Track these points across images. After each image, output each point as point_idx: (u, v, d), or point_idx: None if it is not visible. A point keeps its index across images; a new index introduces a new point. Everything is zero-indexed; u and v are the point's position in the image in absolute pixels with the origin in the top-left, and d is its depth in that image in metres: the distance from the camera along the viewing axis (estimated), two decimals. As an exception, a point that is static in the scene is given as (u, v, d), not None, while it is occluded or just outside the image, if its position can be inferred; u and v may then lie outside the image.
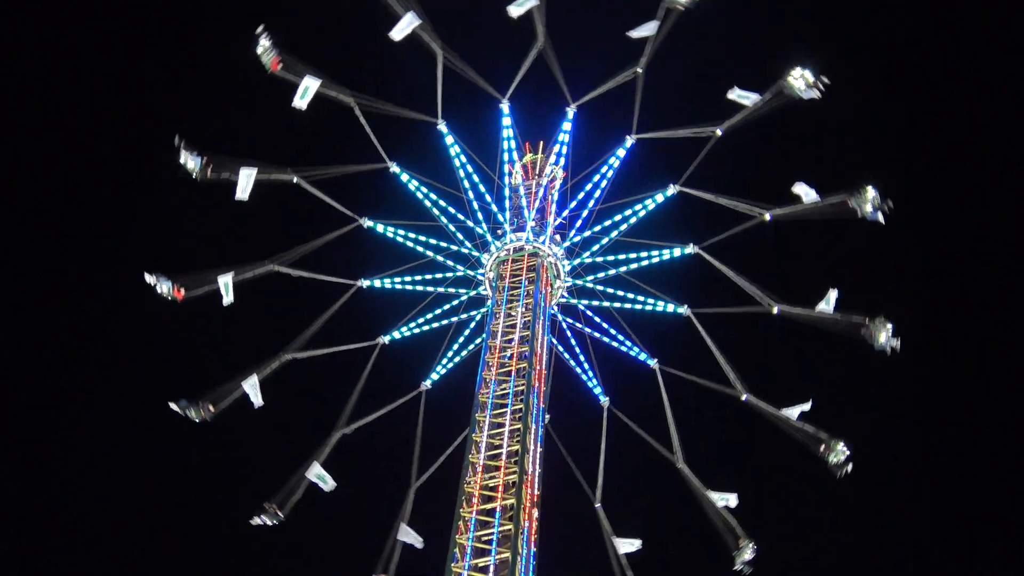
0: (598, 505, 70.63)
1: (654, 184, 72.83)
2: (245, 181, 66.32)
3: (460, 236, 73.19)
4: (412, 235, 73.60)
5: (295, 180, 69.84)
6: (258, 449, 70.84)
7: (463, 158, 72.86)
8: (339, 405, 70.84)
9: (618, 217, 72.86)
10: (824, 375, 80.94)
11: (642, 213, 72.57)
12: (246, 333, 77.32)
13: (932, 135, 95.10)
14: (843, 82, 67.24)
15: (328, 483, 68.21)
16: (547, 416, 66.54)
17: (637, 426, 71.69)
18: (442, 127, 72.31)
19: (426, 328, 74.55)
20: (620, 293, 73.35)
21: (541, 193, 75.56)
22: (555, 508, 61.94)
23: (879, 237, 67.29)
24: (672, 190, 72.00)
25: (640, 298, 73.09)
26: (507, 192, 74.63)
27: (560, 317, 74.04)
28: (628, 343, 73.61)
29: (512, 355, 64.36)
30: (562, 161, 75.96)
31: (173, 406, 66.75)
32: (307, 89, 66.56)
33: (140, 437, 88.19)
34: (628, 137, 72.41)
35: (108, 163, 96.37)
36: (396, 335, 74.26)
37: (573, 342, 74.31)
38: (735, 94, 67.41)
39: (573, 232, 73.68)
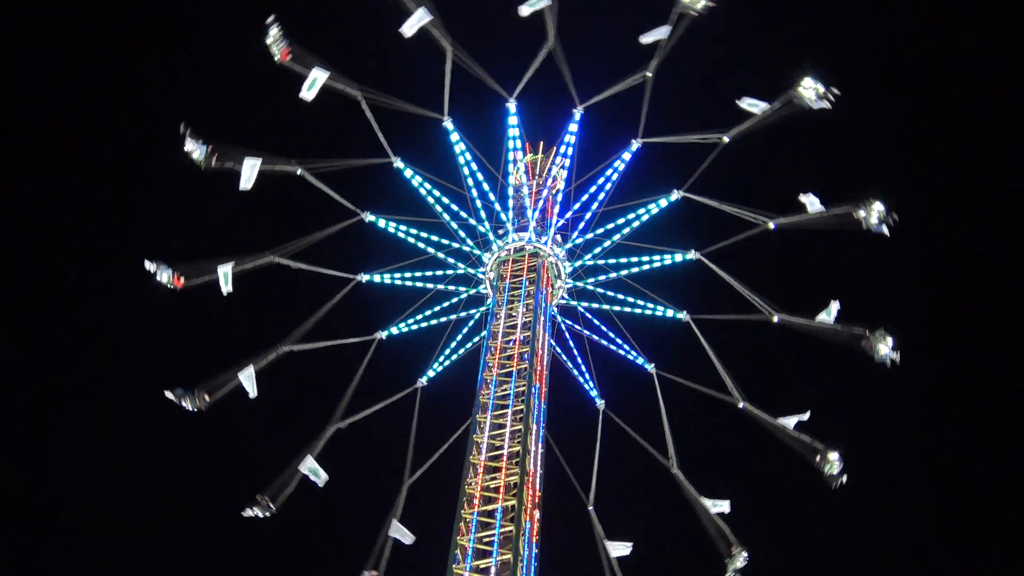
0: (591, 508, 70.34)
1: (658, 188, 72.93)
2: (249, 171, 65.98)
3: (462, 234, 73.09)
4: (414, 231, 73.40)
5: (299, 172, 69.57)
6: (257, 444, 71.13)
7: (467, 156, 72.60)
8: (337, 399, 70.76)
9: (621, 220, 72.82)
10: (823, 384, 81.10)
11: (645, 217, 72.56)
12: (245, 326, 77.52)
13: (940, 147, 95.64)
14: (853, 91, 67.09)
15: (321, 477, 67.87)
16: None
17: (633, 430, 71.58)
18: (448, 124, 72.07)
19: (424, 325, 74.39)
20: (620, 296, 73.33)
21: (543, 193, 75.48)
22: (553, 510, 62.06)
23: (883, 249, 67.05)
24: (676, 195, 71.94)
25: (640, 302, 73.05)
26: (510, 192, 74.58)
27: (559, 319, 73.86)
28: (626, 347, 73.57)
29: (513, 356, 64.09)
30: (562, 161, 75.97)
31: (169, 394, 66.59)
32: (315, 81, 66.33)
33: (139, 436, 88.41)
34: (634, 141, 72.37)
35: (108, 163, 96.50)
36: (394, 331, 74.05)
37: (571, 344, 74.27)
38: (745, 102, 67.27)
39: (576, 234, 73.62)
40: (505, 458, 57.67)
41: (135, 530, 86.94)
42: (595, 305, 73.87)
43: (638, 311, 73.31)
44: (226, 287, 67.80)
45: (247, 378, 67.94)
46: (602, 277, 73.50)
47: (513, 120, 73.82)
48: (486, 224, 72.85)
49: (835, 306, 66.03)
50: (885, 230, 63.91)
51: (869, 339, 64.77)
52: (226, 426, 69.85)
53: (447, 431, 71.16)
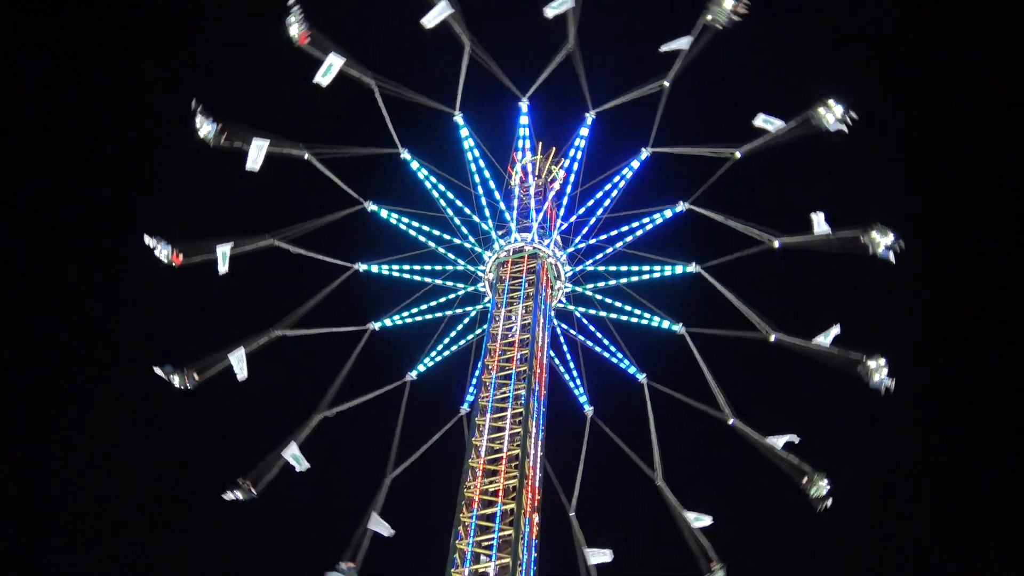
0: (572, 514, 70.06)
1: (664, 198, 72.84)
2: (256, 152, 65.80)
3: (464, 230, 72.65)
4: (415, 224, 72.98)
5: (306, 156, 69.26)
6: (257, 444, 70.10)
7: (476, 152, 72.25)
8: (329, 387, 70.32)
9: (624, 228, 72.62)
10: (817, 405, 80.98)
11: (649, 227, 72.35)
12: (244, 315, 76.62)
13: (954, 176, 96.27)
14: (870, 116, 67.05)
15: (302, 464, 67.51)
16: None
17: (620, 439, 71.29)
18: (458, 119, 71.77)
19: (419, 319, 73.94)
20: (617, 304, 73.05)
21: (543, 195, 75.25)
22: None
23: (887, 275, 66.99)
24: (681, 207, 71.81)
25: (637, 311, 72.79)
26: (516, 191, 74.33)
27: (556, 322, 73.53)
28: (619, 355, 73.33)
29: (512, 358, 63.76)
30: (562, 162, 75.85)
31: (158, 370, 66.13)
32: (331, 67, 66.19)
33: (139, 436, 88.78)
34: (644, 149, 72.15)
35: (108, 163, 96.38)
36: (388, 323, 73.60)
37: (565, 348, 74.04)
38: (760, 120, 67.14)
39: (579, 239, 73.26)
40: (504, 461, 57.24)
41: (135, 530, 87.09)
42: (591, 311, 73.56)
43: (634, 320, 72.98)
44: (223, 267, 67.38)
45: (237, 360, 67.53)
46: (601, 284, 73.17)
47: (524, 119, 73.78)
48: (489, 222, 72.49)
49: (834, 330, 66.01)
50: (891, 257, 63.93)
51: (865, 364, 64.83)
52: (226, 426, 69.82)
53: (434, 427, 71.59)
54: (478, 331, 72.90)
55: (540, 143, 77.02)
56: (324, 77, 66.26)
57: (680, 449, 73.15)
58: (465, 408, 72.13)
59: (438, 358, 74.11)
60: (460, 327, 74.00)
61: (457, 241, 72.83)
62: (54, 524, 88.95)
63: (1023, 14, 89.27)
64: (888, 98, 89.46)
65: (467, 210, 72.54)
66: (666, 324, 72.58)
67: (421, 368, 73.73)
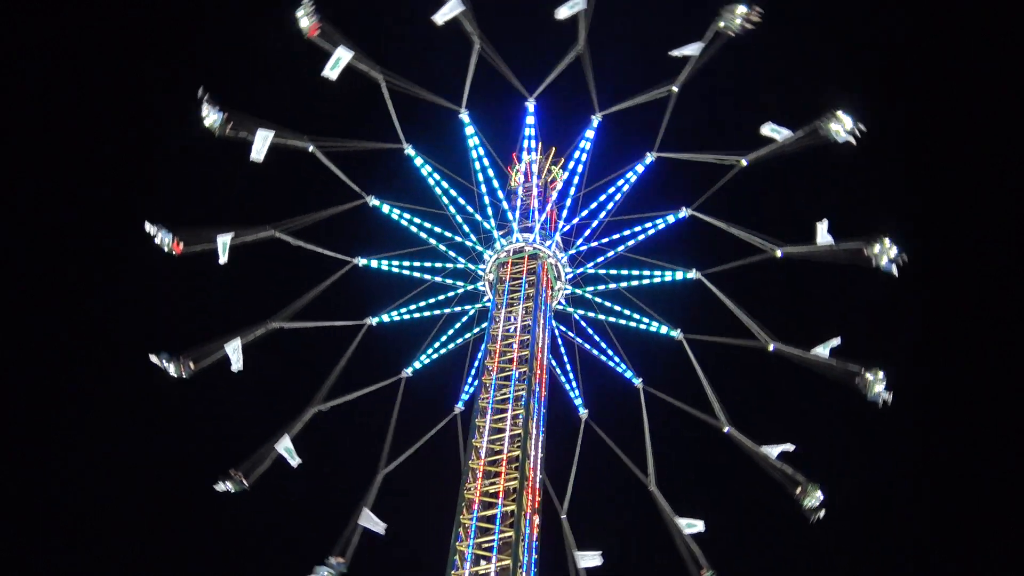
0: (564, 516, 69.87)
1: (667, 202, 72.65)
2: (261, 143, 65.79)
3: (466, 228, 72.41)
4: (417, 221, 72.71)
5: (311, 149, 69.11)
6: (256, 444, 69.94)
7: (480, 151, 71.97)
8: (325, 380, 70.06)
9: (626, 232, 72.40)
10: (814, 415, 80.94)
11: (651, 231, 72.16)
12: (242, 303, 76.57)
13: (961, 191, 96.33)
14: (877, 128, 66.95)
15: (294, 459, 67.25)
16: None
17: (615, 443, 71.17)
18: (464, 116, 71.51)
19: (417, 316, 73.69)
20: (616, 308, 72.85)
21: (544, 195, 75.13)
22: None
23: (890, 288, 66.92)
24: (684, 213, 71.62)
25: (635, 316, 72.61)
26: (519, 191, 74.18)
27: (554, 323, 73.30)
28: (616, 359, 73.18)
29: (512, 359, 63.51)
30: (563, 162, 75.94)
31: (153, 358, 65.89)
32: (339, 60, 66.05)
33: (139, 436, 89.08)
34: (649, 154, 71.93)
35: (108, 163, 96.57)
36: (385, 318, 73.35)
37: (563, 351, 73.83)
38: (767, 128, 66.99)
39: (580, 241, 73.06)
40: (504, 462, 56.99)
41: (135, 530, 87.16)
42: (590, 314, 73.37)
43: (632, 324, 72.82)
44: (223, 257, 67.15)
45: (233, 350, 67.30)
46: (601, 287, 73.00)
47: (530, 119, 73.83)
48: (491, 221, 72.24)
49: (833, 341, 65.94)
50: (894, 270, 63.76)
51: (863, 377, 64.76)
52: (226, 426, 69.68)
53: (428, 424, 71.42)
54: (476, 330, 72.81)
55: (540, 144, 76.87)
56: (332, 70, 66.13)
57: (674, 455, 73.29)
58: (459, 407, 72.01)
59: (435, 356, 73.86)
60: (458, 325, 73.80)
61: (458, 239, 72.58)
62: (54, 524, 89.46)
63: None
64: (895, 110, 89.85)
65: (469, 208, 72.31)
66: (664, 330, 72.39)
67: (417, 365, 73.45)
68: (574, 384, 73.73)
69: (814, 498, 64.73)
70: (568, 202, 73.44)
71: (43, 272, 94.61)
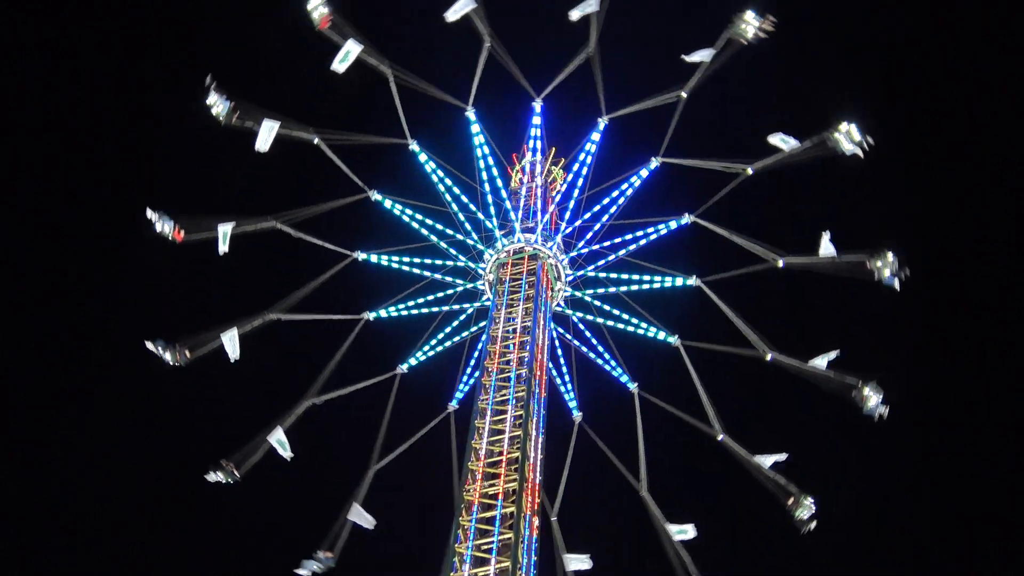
0: (554, 519, 69.69)
1: (671, 207, 72.63)
2: (267, 133, 65.62)
3: (467, 226, 72.35)
4: (418, 217, 72.52)
5: (316, 141, 69.08)
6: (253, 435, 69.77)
7: (485, 149, 71.94)
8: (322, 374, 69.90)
9: (628, 236, 72.36)
10: (810, 428, 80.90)
11: (653, 237, 72.05)
12: (241, 295, 76.49)
13: (968, 205, 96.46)
14: (885, 140, 66.94)
15: (286, 451, 67.01)
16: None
17: (608, 447, 70.93)
18: (470, 114, 71.51)
19: (415, 312, 73.52)
20: (615, 312, 72.72)
21: (544, 196, 75.05)
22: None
23: (891, 302, 66.87)
24: (687, 219, 71.52)
25: (634, 320, 72.46)
26: (522, 191, 74.09)
27: (552, 325, 73.12)
28: (612, 362, 73.01)
29: (512, 360, 63.32)
30: (563, 162, 76.40)
31: (149, 345, 65.74)
32: (348, 53, 66.00)
33: (139, 436, 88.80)
34: (654, 159, 71.92)
35: (108, 163, 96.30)
36: (383, 314, 73.15)
37: (559, 352, 73.58)
38: (775, 138, 66.91)
39: (582, 244, 72.94)
40: (504, 464, 56.62)
41: (135, 530, 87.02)
42: (588, 317, 73.24)
43: (630, 329, 72.68)
44: (223, 246, 66.96)
45: (229, 340, 67.10)
46: (601, 290, 72.85)
47: (537, 120, 73.89)
48: (493, 220, 72.09)
49: (831, 353, 65.88)
50: (896, 284, 63.73)
51: (860, 390, 64.70)
52: (226, 426, 69.43)
53: (422, 421, 71.15)
54: (473, 328, 72.70)
55: (544, 145, 76.84)
56: (341, 64, 66.10)
57: (667, 461, 72.99)
58: (453, 405, 71.76)
59: (431, 353, 73.67)
60: (455, 323, 73.62)
61: (459, 237, 72.42)
62: (54, 524, 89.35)
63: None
64: (901, 122, 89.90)
65: (472, 206, 72.19)
66: (662, 335, 72.31)
67: (412, 362, 73.24)
68: (569, 386, 73.59)
69: (806, 509, 64.74)
70: (571, 204, 73.46)
71: (43, 272, 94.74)
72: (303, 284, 70.30)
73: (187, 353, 66.27)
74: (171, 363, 66.03)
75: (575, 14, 66.74)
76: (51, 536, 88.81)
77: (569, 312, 73.57)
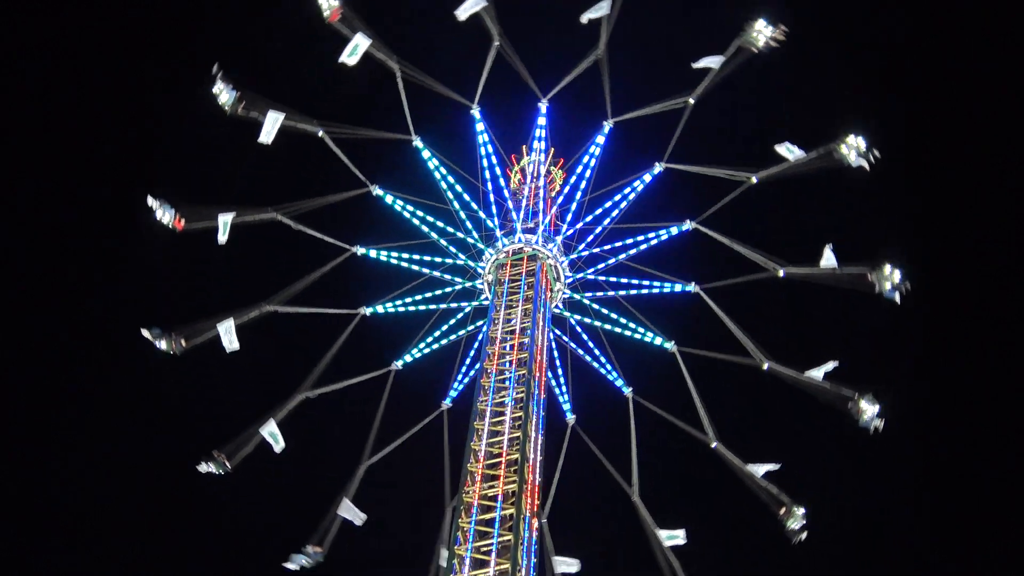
0: (544, 520, 69.49)
1: (671, 213, 72.55)
2: (271, 124, 65.47)
3: (468, 224, 72.17)
4: (419, 213, 72.33)
5: (320, 134, 68.83)
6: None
7: (489, 148, 71.78)
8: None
9: (629, 240, 72.16)
10: (806, 438, 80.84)
11: (654, 241, 71.90)
12: (240, 287, 76.28)
13: (974, 219, 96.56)
14: (892, 153, 67.00)
15: (279, 443, 66.83)
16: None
17: (600, 451, 70.75)
18: (475, 112, 71.39)
19: (412, 309, 73.29)
20: (612, 315, 72.62)
21: (543, 197, 74.95)
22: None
23: (891, 315, 66.82)
24: (688, 225, 71.38)
25: (631, 324, 72.31)
26: (524, 191, 73.96)
27: (550, 326, 72.90)
28: (608, 366, 72.88)
29: (511, 361, 63.10)
30: (562, 162, 76.36)
31: (145, 333, 65.45)
32: (356, 47, 65.88)
33: (139, 436, 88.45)
34: (657, 164, 71.78)
35: (108, 163, 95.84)
36: (380, 309, 72.94)
37: (555, 355, 73.33)
38: (782, 148, 66.84)
39: (582, 246, 72.75)
40: (503, 466, 56.39)
41: (135, 530, 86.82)
42: (585, 320, 73.08)
43: (627, 333, 72.52)
44: (223, 236, 66.79)
45: (226, 330, 66.88)
46: (600, 294, 72.73)
47: (542, 120, 73.71)
48: (494, 220, 71.95)
49: (828, 365, 65.85)
50: (897, 297, 63.72)
51: (856, 403, 64.66)
52: (226, 426, 68.98)
53: (416, 418, 71.00)
54: (470, 327, 72.55)
55: (547, 146, 76.67)
56: (350, 57, 65.97)
57: (660, 467, 73.03)
58: (447, 403, 71.58)
59: (426, 350, 73.46)
60: (452, 322, 73.40)
61: (460, 235, 72.24)
62: (54, 524, 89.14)
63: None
64: (909, 138, 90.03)
65: (473, 205, 72.14)
66: (659, 341, 72.16)
67: (408, 358, 73.05)
68: (564, 389, 73.47)
69: (797, 519, 64.69)
70: (573, 206, 73.34)
71: (43, 272, 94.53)
72: (301, 277, 70.27)
73: (182, 342, 65.94)
74: (167, 351, 65.68)
75: (586, 17, 66.75)
76: (51, 536, 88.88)
77: (567, 315, 73.37)
